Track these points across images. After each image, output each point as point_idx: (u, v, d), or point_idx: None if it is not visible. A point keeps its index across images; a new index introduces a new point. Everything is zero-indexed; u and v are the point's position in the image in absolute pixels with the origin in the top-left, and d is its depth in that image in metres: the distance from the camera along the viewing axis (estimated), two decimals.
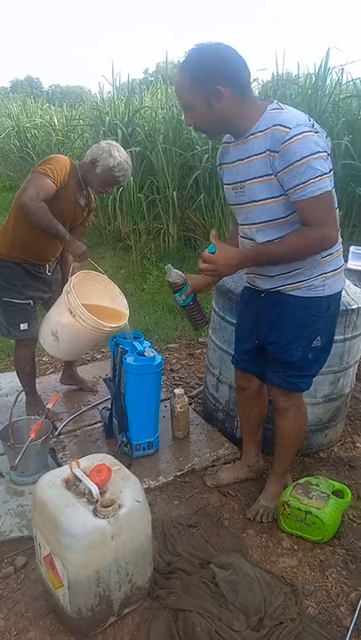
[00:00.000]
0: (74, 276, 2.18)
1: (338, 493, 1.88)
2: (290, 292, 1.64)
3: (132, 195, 5.17)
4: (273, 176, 1.47)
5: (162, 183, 5.25)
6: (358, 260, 2.69)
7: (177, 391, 2.34)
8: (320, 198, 1.42)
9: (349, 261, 2.67)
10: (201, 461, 2.20)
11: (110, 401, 2.30)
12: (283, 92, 4.97)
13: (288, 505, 1.81)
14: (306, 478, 1.92)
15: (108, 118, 5.78)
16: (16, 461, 1.93)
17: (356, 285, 2.23)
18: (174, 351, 3.41)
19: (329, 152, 1.47)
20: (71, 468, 1.48)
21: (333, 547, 1.81)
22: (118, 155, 2.19)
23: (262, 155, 1.47)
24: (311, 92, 4.76)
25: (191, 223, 5.34)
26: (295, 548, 1.81)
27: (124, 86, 6.39)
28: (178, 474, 2.13)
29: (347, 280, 2.05)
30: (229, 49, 1.44)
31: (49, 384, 2.82)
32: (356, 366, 2.34)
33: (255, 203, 1.55)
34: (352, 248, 2.75)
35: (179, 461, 2.20)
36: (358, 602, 1.59)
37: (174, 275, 1.76)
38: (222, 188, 1.80)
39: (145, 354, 2.10)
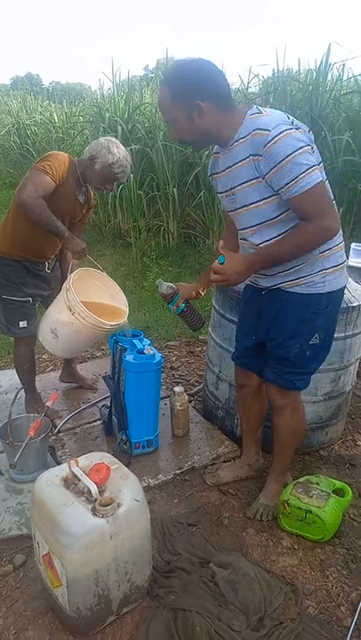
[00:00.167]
0: (73, 274, 2.17)
1: (338, 492, 1.88)
2: (290, 290, 1.65)
3: (132, 192, 5.15)
4: (261, 179, 1.49)
5: (162, 180, 5.23)
6: (359, 257, 2.68)
7: (177, 389, 2.33)
8: (313, 191, 1.43)
9: (350, 258, 2.66)
10: (201, 459, 2.19)
11: (110, 399, 2.30)
12: (283, 88, 4.95)
13: (288, 504, 1.80)
14: (306, 477, 1.91)
15: (107, 115, 5.75)
16: (15, 459, 1.92)
17: (357, 282, 2.22)
18: (174, 349, 3.40)
19: (313, 145, 1.49)
20: (70, 467, 1.47)
21: (334, 546, 1.80)
22: (117, 151, 2.17)
23: (246, 160, 1.50)
24: (312, 88, 4.74)
25: (191, 220, 5.32)
26: (295, 547, 1.80)
27: (124, 83, 6.36)
28: (177, 472, 2.12)
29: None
30: (208, 63, 1.49)
31: (48, 382, 2.82)
32: (357, 364, 2.33)
33: (247, 207, 1.58)
34: (353, 245, 2.75)
35: (178, 459, 2.19)
36: (359, 601, 1.58)
37: (165, 287, 1.93)
38: (217, 197, 1.83)
39: (145, 351, 2.09)
